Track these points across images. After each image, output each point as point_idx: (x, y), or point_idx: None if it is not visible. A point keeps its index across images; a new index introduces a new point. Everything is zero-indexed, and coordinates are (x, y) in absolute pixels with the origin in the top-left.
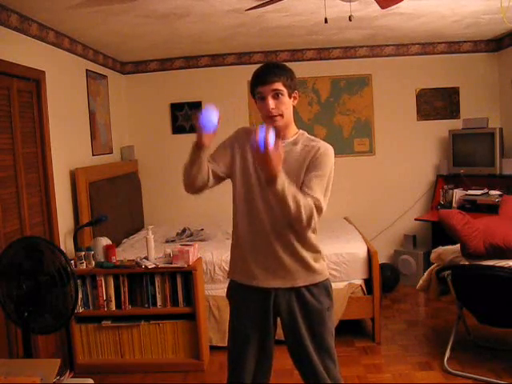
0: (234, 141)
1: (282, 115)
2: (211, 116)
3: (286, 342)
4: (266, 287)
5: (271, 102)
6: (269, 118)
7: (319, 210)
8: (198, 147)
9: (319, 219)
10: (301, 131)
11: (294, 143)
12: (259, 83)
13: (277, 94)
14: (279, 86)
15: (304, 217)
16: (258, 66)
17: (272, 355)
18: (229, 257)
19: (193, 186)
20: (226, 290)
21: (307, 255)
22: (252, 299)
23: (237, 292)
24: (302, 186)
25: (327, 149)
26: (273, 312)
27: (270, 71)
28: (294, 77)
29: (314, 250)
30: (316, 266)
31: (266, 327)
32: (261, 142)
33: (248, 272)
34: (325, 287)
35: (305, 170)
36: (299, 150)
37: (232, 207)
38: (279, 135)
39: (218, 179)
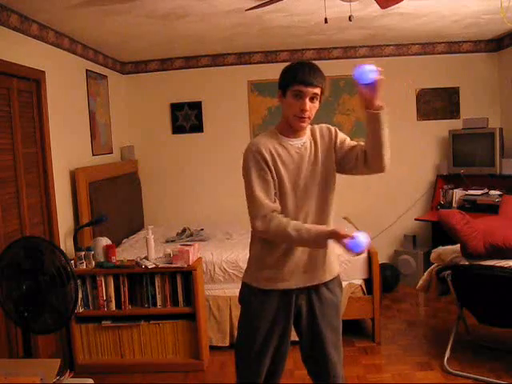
0: (265, 156)
1: (310, 118)
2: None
3: (302, 340)
4: (290, 288)
5: (308, 104)
6: (298, 118)
7: None
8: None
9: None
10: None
11: (311, 135)
12: (302, 82)
13: (313, 98)
14: (319, 91)
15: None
16: (258, 65)
17: (287, 356)
18: (229, 257)
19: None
20: (228, 290)
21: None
22: (273, 302)
23: (256, 296)
24: (351, 149)
25: (334, 128)
26: (293, 314)
27: (315, 74)
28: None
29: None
30: (333, 257)
31: (285, 328)
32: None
33: (275, 276)
34: (337, 280)
35: (333, 151)
36: (316, 138)
37: None
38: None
39: None
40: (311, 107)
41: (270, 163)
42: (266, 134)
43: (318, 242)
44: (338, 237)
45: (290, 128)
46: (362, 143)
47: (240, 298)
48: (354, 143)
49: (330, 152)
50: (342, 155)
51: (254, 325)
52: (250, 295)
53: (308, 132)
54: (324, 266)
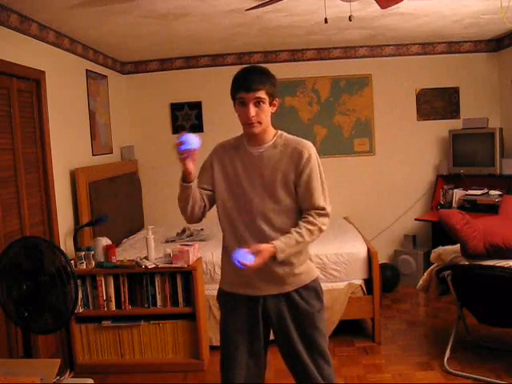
0: (213, 159)
1: (260, 122)
2: (191, 139)
3: (277, 345)
4: (255, 295)
5: (252, 110)
6: (247, 125)
7: (326, 216)
8: (186, 179)
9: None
10: (279, 132)
11: (274, 146)
12: (242, 89)
13: (258, 102)
14: (262, 94)
15: (316, 238)
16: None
17: (263, 358)
18: None
19: (193, 217)
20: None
21: (292, 259)
22: (240, 306)
23: (225, 299)
24: (303, 199)
25: (310, 152)
26: (262, 317)
27: (254, 78)
28: (277, 84)
29: (302, 251)
30: (302, 268)
31: (254, 333)
32: (240, 264)
33: (236, 281)
34: (314, 289)
35: (294, 175)
36: (278, 151)
37: (217, 217)
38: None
39: (214, 200)
40: (258, 112)
41: (216, 166)
42: (234, 137)
43: (181, 188)
44: None
45: (246, 135)
46: (308, 208)
47: (216, 297)
48: (305, 195)
49: (290, 174)
50: (296, 190)
51: (224, 327)
52: (221, 297)
53: (273, 141)
54: (284, 275)
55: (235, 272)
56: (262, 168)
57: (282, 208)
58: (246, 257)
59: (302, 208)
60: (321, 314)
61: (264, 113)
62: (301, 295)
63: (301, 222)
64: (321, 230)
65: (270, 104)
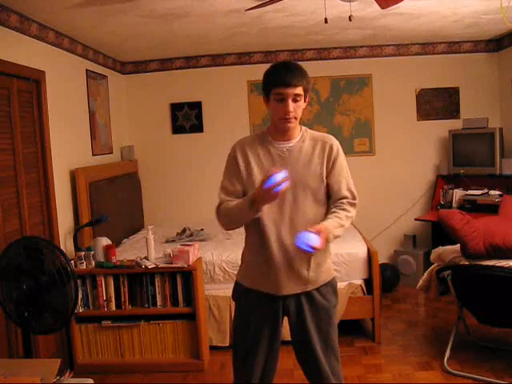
0: (237, 158)
1: (296, 118)
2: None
3: (293, 341)
4: (277, 294)
5: (291, 106)
6: (284, 120)
7: (355, 206)
8: (257, 210)
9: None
10: (303, 128)
11: (302, 141)
12: (281, 84)
13: (296, 98)
14: (300, 90)
15: (348, 227)
16: (258, 65)
17: (278, 355)
18: (229, 256)
19: (236, 227)
20: (228, 290)
21: (320, 257)
22: (261, 303)
23: (245, 296)
24: (337, 189)
25: (337, 145)
26: (282, 314)
27: (293, 74)
28: (310, 81)
29: (326, 250)
30: (325, 267)
31: (275, 329)
32: (307, 246)
33: (261, 279)
34: (332, 285)
35: (326, 168)
36: (308, 145)
37: None
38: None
39: None
40: (295, 107)
41: (241, 163)
42: (254, 134)
43: (242, 208)
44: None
45: (278, 130)
46: (341, 198)
47: (232, 296)
48: (337, 185)
49: (322, 166)
50: (328, 182)
51: (245, 323)
52: (240, 293)
53: (300, 136)
54: (309, 276)
55: (261, 270)
56: (293, 162)
57: (315, 200)
58: (311, 239)
59: (335, 198)
60: (335, 309)
61: (300, 108)
62: (320, 292)
63: (336, 210)
64: (352, 219)
65: (305, 100)
